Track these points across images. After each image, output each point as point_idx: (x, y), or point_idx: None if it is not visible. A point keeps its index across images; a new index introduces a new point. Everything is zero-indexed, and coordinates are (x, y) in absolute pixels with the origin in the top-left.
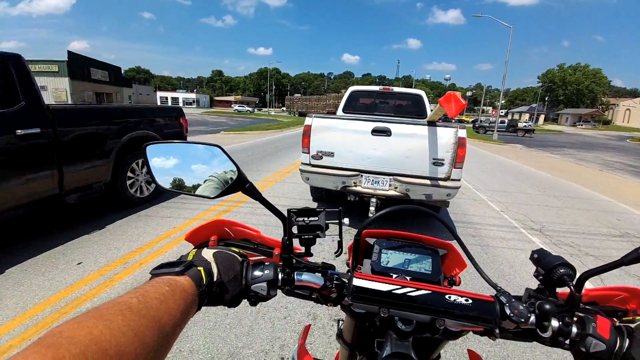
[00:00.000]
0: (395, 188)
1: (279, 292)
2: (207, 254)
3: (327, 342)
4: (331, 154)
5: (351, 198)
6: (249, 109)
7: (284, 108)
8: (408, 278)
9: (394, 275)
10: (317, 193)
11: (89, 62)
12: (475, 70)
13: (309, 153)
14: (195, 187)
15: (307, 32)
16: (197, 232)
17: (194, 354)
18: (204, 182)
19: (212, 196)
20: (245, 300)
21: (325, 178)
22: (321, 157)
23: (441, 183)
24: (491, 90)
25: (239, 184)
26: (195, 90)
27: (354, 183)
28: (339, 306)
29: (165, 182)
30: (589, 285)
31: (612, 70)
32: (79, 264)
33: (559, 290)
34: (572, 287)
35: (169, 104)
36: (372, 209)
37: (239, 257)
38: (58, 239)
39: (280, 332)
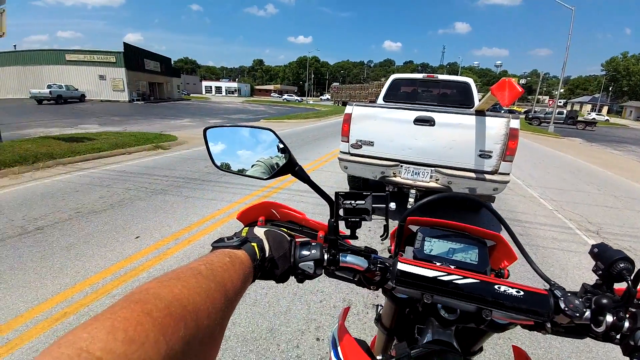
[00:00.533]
0: (437, 180)
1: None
2: (259, 231)
3: (361, 328)
4: (371, 143)
5: (390, 188)
6: (298, 98)
7: (327, 96)
8: (453, 267)
9: (438, 264)
10: (355, 182)
11: (142, 53)
12: (530, 56)
13: (348, 142)
14: (247, 169)
15: (348, 19)
16: (247, 212)
17: (237, 327)
18: (254, 165)
19: (264, 177)
20: (293, 277)
21: (364, 167)
22: (360, 146)
23: (487, 177)
24: (548, 77)
25: (290, 167)
26: (237, 79)
27: (393, 173)
28: (376, 292)
29: (222, 163)
30: None
31: None
32: (137, 237)
33: (616, 286)
34: (629, 282)
35: (213, 92)
36: (411, 200)
37: (287, 237)
38: (118, 214)
39: (315, 315)
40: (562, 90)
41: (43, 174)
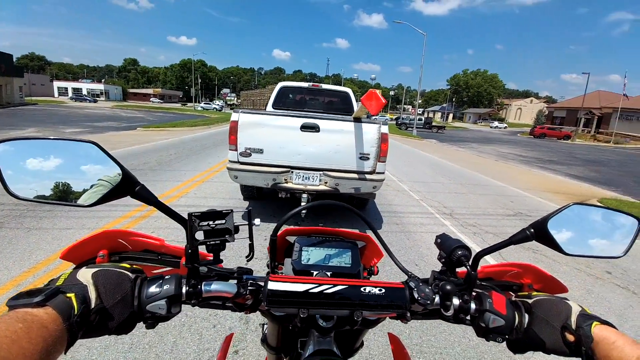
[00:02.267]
0: (326, 183)
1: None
2: (85, 275)
3: (261, 346)
4: (260, 151)
5: (282, 195)
6: (216, 106)
7: (218, 103)
8: (329, 273)
9: (315, 272)
10: (248, 191)
11: None
12: (397, 72)
13: (236, 150)
14: (69, 195)
15: (237, 24)
16: (78, 248)
17: None
18: (87, 187)
19: (87, 204)
20: (141, 323)
21: (255, 175)
22: (250, 154)
23: (367, 176)
24: (410, 90)
25: (127, 187)
26: (103, 80)
27: (285, 180)
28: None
29: (24, 190)
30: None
31: (508, 74)
32: None
33: (458, 270)
34: (468, 267)
35: (69, 95)
36: (303, 203)
37: (130, 274)
38: None
39: (209, 343)
40: (420, 101)
41: None
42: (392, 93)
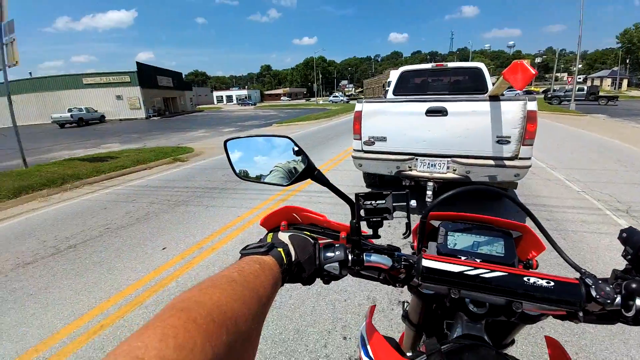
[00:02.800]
0: (454, 170)
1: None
2: (284, 236)
3: (387, 325)
4: (383, 139)
5: (406, 183)
6: (344, 98)
7: (337, 94)
8: (478, 260)
9: (463, 258)
10: (371, 179)
11: (154, 70)
12: (544, 33)
13: (360, 139)
14: (267, 176)
15: (350, 15)
16: (269, 218)
17: (264, 329)
18: (272, 171)
19: (285, 184)
20: (319, 279)
21: (378, 164)
22: (373, 143)
23: (507, 163)
24: (565, 54)
25: (309, 172)
26: (246, 86)
27: (409, 167)
28: (400, 289)
29: (242, 172)
30: None
31: None
32: (164, 249)
33: None
34: None
35: (224, 102)
36: (429, 192)
37: (311, 240)
38: (145, 228)
39: (341, 314)
40: (580, 66)
41: (71, 195)
42: (538, 60)
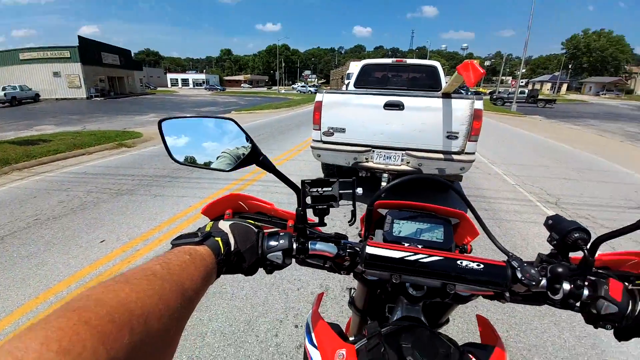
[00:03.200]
0: (408, 163)
1: (292, 264)
2: (224, 225)
3: (339, 311)
4: (342, 130)
5: (363, 174)
6: (312, 89)
7: (300, 85)
8: (420, 247)
9: (406, 244)
10: (329, 170)
11: (99, 46)
12: (495, 38)
13: (320, 130)
14: (210, 161)
15: (316, 5)
16: (213, 206)
17: (214, 322)
18: (218, 157)
19: (227, 169)
20: (262, 269)
21: (336, 154)
22: (332, 134)
23: (455, 157)
24: (512, 59)
25: (253, 157)
26: (204, 70)
27: (366, 159)
28: (350, 276)
29: (180, 157)
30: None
31: (634, 38)
32: (102, 241)
33: (571, 255)
34: (585, 251)
35: (180, 85)
36: (383, 184)
37: (254, 228)
38: (80, 219)
39: (294, 303)
40: (524, 71)
41: None
42: (488, 63)
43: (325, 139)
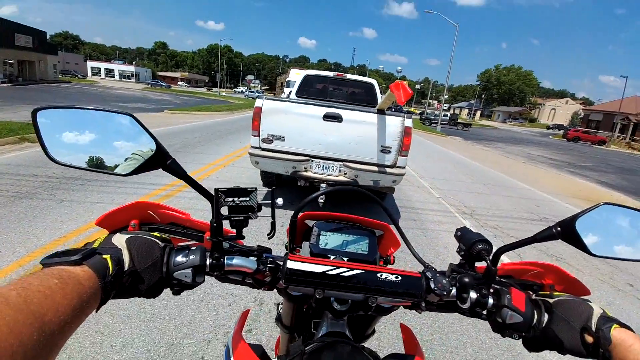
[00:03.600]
0: (345, 174)
1: (212, 279)
2: (119, 239)
3: (274, 327)
4: (282, 138)
5: (301, 183)
6: (260, 94)
7: (242, 89)
8: (346, 259)
9: (332, 257)
10: (268, 178)
11: (12, 27)
12: (424, 65)
13: (259, 136)
14: (102, 163)
15: (263, 9)
16: (112, 216)
17: (128, 348)
18: (113, 158)
19: (123, 173)
20: (168, 289)
21: (275, 162)
22: (272, 141)
23: (388, 170)
24: (437, 85)
25: (159, 160)
26: (134, 62)
27: (305, 168)
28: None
29: (61, 155)
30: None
31: (543, 72)
32: None
33: (477, 264)
34: (488, 261)
35: (102, 75)
36: None
37: (159, 242)
38: None
39: (224, 320)
40: (446, 96)
41: None
42: (418, 86)
43: (264, 146)
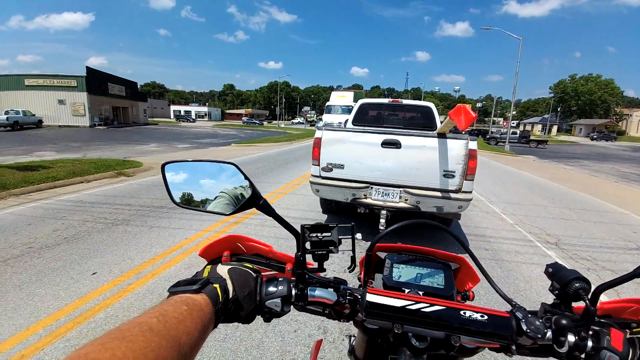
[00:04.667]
0: (406, 200)
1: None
2: (222, 270)
3: (337, 357)
4: (341, 166)
5: (361, 210)
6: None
7: (299, 120)
8: (421, 293)
9: (407, 290)
10: (327, 205)
11: (106, 77)
12: (484, 82)
13: (319, 165)
14: (209, 203)
15: (316, 46)
16: (210, 248)
17: None
18: (216, 198)
19: (227, 213)
20: (259, 316)
21: (335, 190)
22: (331, 169)
23: (452, 195)
24: (502, 101)
25: (254, 201)
26: (207, 103)
27: (364, 195)
28: (351, 321)
29: (181, 199)
30: (604, 299)
31: (625, 80)
32: (94, 274)
33: (574, 304)
34: (587, 301)
35: (184, 116)
36: (382, 221)
37: (252, 273)
38: (74, 249)
39: (290, 346)
40: (514, 112)
41: None
42: (479, 105)
43: (324, 174)
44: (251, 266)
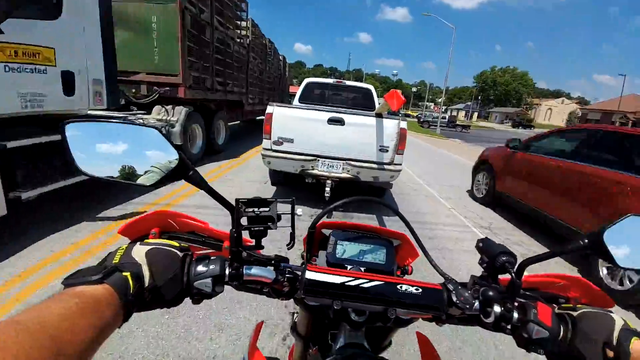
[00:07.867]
0: (348, 171)
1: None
2: (139, 252)
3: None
4: (291, 140)
5: (309, 180)
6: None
7: None
8: (363, 269)
9: (349, 267)
10: (276, 176)
11: None
12: (420, 68)
13: (270, 139)
14: (125, 172)
15: (256, 16)
16: (134, 225)
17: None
18: (144, 170)
19: (148, 184)
20: (188, 298)
21: (285, 162)
22: (282, 143)
23: (386, 167)
24: (433, 87)
25: (182, 171)
26: None
27: (312, 167)
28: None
29: (89, 167)
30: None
31: (538, 72)
32: None
33: (501, 277)
34: (512, 274)
35: None
36: (327, 189)
37: (179, 253)
38: None
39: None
40: (444, 99)
41: None
42: (414, 90)
43: (275, 147)
44: (178, 244)
